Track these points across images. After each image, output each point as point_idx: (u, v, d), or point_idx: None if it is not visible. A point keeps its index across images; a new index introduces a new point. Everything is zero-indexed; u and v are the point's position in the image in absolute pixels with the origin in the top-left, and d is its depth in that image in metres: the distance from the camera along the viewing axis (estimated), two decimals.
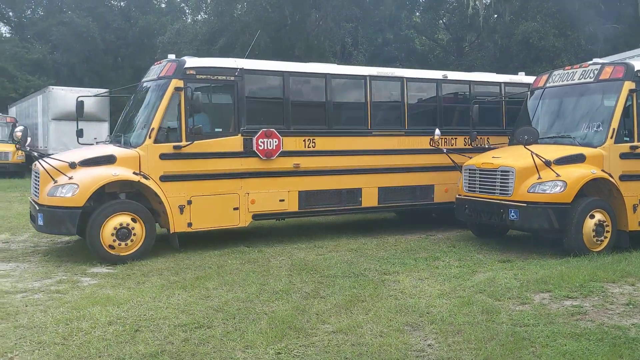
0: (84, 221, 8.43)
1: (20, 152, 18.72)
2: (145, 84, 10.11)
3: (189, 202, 9.07)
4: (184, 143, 8.98)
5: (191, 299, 6.42)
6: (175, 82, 9.07)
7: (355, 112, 11.00)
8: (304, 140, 10.03)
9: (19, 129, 8.45)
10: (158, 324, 5.51)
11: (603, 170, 8.93)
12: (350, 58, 28.32)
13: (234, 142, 9.47)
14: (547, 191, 8.64)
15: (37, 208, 8.59)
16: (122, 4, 34.25)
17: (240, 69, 9.57)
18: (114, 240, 8.37)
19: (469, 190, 9.90)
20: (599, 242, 8.80)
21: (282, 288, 6.85)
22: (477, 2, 24.81)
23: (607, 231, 8.87)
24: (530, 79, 11.90)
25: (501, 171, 9.21)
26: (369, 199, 10.61)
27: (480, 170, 9.65)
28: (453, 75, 12.26)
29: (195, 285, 6.99)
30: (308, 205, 10.10)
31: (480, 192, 9.63)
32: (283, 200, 9.86)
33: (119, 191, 8.83)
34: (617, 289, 6.89)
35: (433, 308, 6.08)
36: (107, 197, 8.71)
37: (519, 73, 13.48)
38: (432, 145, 10.97)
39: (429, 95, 11.71)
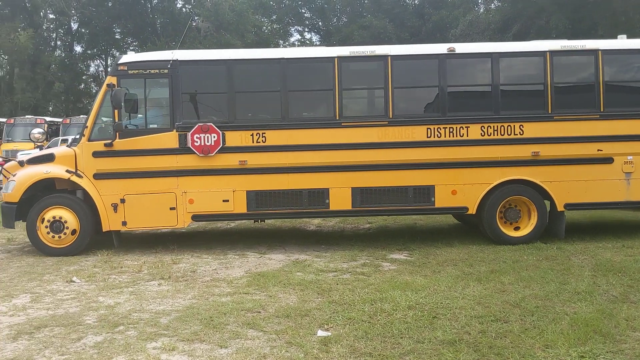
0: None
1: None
2: None
3: (122, 201, 8.92)
4: (115, 141, 8.90)
5: (486, 291, 6.42)
6: (109, 79, 9.02)
7: (319, 100, 9.58)
8: (252, 135, 8.97)
9: (36, 130, 9.55)
10: (454, 313, 5.66)
11: None
12: None
13: (169, 138, 8.94)
14: None
15: None
16: (416, 2, 35.57)
17: (173, 60, 8.98)
18: (48, 233, 8.83)
19: None
20: None
21: (584, 289, 6.38)
22: None
23: None
24: None
25: None
26: (339, 202, 9.04)
27: None
28: (463, 48, 9.61)
29: (490, 279, 6.96)
30: (259, 206, 9.04)
31: None
32: (227, 200, 8.99)
33: (70, 188, 9.11)
34: None
35: None
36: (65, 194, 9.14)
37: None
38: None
39: (427, 75, 9.45)
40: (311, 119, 9.53)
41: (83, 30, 40.70)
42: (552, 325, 5.24)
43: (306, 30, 38.87)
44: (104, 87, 9.07)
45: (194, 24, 31.33)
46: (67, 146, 9.71)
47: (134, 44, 38.50)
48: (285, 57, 9.26)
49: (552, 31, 22.73)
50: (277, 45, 34.71)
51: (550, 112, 9.22)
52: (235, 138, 9.04)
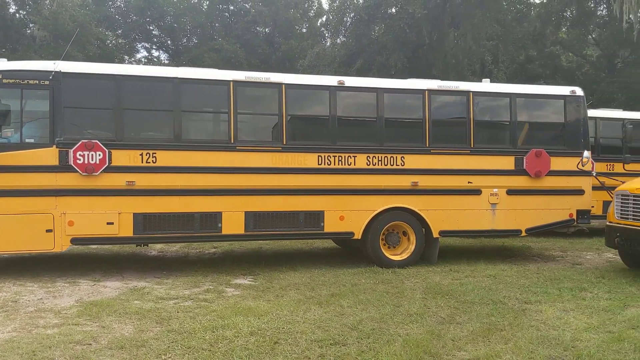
0: None
1: None
2: None
3: None
4: None
5: (326, 315, 6.57)
6: None
7: (215, 123, 9.60)
8: (141, 154, 8.64)
9: None
10: (296, 338, 5.70)
11: None
12: (491, 76, 27.49)
13: (48, 155, 8.33)
14: None
15: None
16: (266, 30, 36.16)
17: (56, 72, 8.42)
18: None
19: (621, 217, 9.17)
20: None
21: (416, 311, 6.79)
22: (631, 15, 23.03)
23: None
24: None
25: None
26: (232, 226, 9.02)
27: (634, 196, 8.92)
28: (351, 81, 10.01)
29: (331, 302, 7.14)
30: (147, 230, 8.71)
31: (634, 219, 8.89)
32: (112, 223, 8.54)
33: None
34: None
35: (579, 342, 5.70)
36: None
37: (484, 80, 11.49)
38: (578, 168, 10.22)
39: (319, 105, 9.82)
40: (205, 141, 9.28)
41: None
42: (386, 347, 5.48)
43: (154, 47, 37.76)
44: None
45: (29, 31, 29.02)
46: None
47: None
48: (179, 76, 9.01)
49: (391, 68, 24.33)
50: (121, 61, 33.32)
51: (428, 146, 9.89)
52: (122, 157, 8.60)
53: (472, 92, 10.25)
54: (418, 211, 9.84)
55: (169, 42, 38.03)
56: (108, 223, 8.55)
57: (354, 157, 9.55)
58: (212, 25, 36.87)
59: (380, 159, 9.66)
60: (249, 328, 5.94)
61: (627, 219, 9.03)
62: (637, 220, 8.82)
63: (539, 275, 9.11)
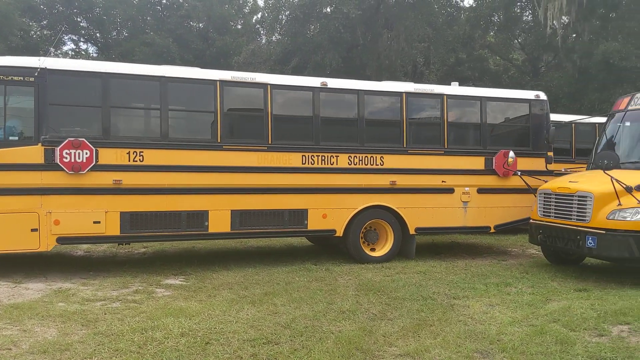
0: None
1: None
2: None
3: None
4: None
5: (260, 314, 6.53)
6: None
7: (201, 122, 9.58)
8: (128, 153, 8.64)
9: None
10: (228, 338, 5.63)
11: None
12: (422, 77, 28.18)
13: (32, 153, 8.23)
14: (628, 218, 8.26)
15: None
16: (200, 25, 35.56)
17: (41, 69, 8.31)
18: None
19: (543, 214, 9.60)
20: None
21: (349, 308, 6.86)
22: (554, 21, 24.15)
23: None
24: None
25: (578, 196, 8.88)
26: (219, 224, 9.14)
27: (556, 194, 9.35)
28: (334, 83, 10.19)
29: (264, 301, 7.11)
30: (134, 228, 8.71)
31: (555, 217, 9.33)
32: (99, 222, 8.52)
33: None
34: None
35: (504, 336, 5.92)
36: None
37: (452, 83, 11.63)
38: (504, 167, 10.64)
39: (303, 106, 9.98)
40: (192, 140, 9.22)
41: None
42: (319, 344, 5.50)
43: (82, 40, 36.37)
44: None
45: None
46: None
47: None
48: (166, 75, 8.99)
49: (326, 67, 24.47)
50: (46, 53, 32.01)
51: (405, 146, 10.26)
52: (109, 156, 8.56)
53: (446, 95, 10.63)
54: (396, 209, 10.22)
55: (97, 34, 36.74)
56: (95, 222, 8.52)
57: (337, 156, 9.83)
58: (143, 18, 35.91)
59: (360, 158, 10.00)
60: (179, 329, 5.82)
61: (549, 216, 9.45)
62: (559, 217, 9.25)
63: (467, 272, 9.40)
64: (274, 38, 30.24)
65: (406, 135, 10.30)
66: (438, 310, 6.82)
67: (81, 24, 36.01)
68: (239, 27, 36.74)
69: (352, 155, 9.92)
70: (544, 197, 9.62)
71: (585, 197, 8.75)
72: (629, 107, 9.92)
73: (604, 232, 8.40)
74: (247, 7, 37.52)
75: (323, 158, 9.75)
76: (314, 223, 9.73)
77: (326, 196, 9.79)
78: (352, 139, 10.03)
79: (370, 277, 8.84)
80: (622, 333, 6.11)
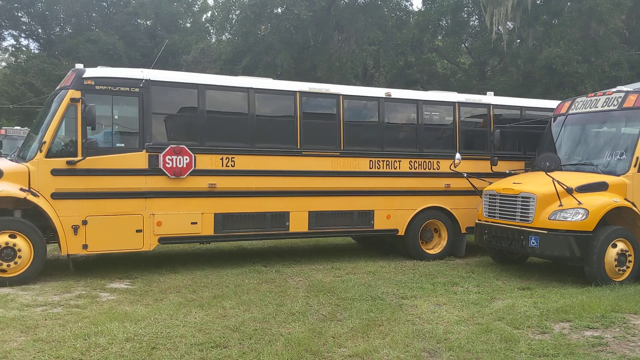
0: None
1: None
2: (53, 95, 9.30)
3: (84, 222, 8.38)
4: (78, 158, 8.34)
5: (208, 317, 6.43)
6: (72, 93, 8.44)
7: (283, 129, 10.03)
8: (222, 159, 9.25)
9: None
10: (175, 342, 5.52)
11: (626, 199, 8.81)
12: (372, 80, 28.47)
13: (138, 159, 8.74)
14: (569, 219, 8.55)
15: None
16: (148, 22, 34.86)
17: (146, 80, 8.84)
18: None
19: (488, 215, 9.83)
20: (621, 272, 8.66)
21: (298, 309, 6.83)
22: (500, 27, 24.82)
23: (630, 260, 8.73)
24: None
25: (522, 197, 9.14)
26: (298, 224, 9.80)
27: (500, 195, 9.59)
28: (396, 93, 11.10)
29: (213, 304, 7.01)
30: (226, 228, 9.29)
31: (500, 217, 9.56)
32: (196, 222, 9.09)
33: (12, 208, 8.20)
34: (639, 320, 6.75)
35: (451, 334, 6.02)
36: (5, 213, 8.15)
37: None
38: (451, 170, 10.84)
39: (369, 114, 10.84)
40: (276, 147, 9.76)
41: None
42: (268, 346, 5.46)
43: (23, 36, 35.08)
44: (66, 100, 8.41)
45: None
46: (9, 160, 8.76)
47: None
48: (254, 86, 9.64)
49: (277, 68, 24.40)
50: None
51: (458, 151, 10.85)
52: (205, 161, 9.14)
53: (492, 105, 11.52)
54: (450, 209, 10.99)
55: (39, 30, 35.51)
56: (192, 222, 9.08)
57: (399, 161, 10.64)
58: (88, 14, 34.96)
59: (420, 163, 10.81)
60: (124, 334, 5.67)
61: (494, 217, 9.69)
62: (503, 218, 9.49)
63: (415, 272, 9.53)
64: (224, 37, 29.96)
65: (459, 141, 11.10)
66: (387, 310, 6.88)
67: (22, 19, 34.78)
68: (188, 25, 36.22)
69: (412, 160, 10.74)
70: (489, 198, 9.85)
71: (529, 198, 9.01)
72: (570, 111, 10.28)
73: (546, 232, 8.67)
74: (196, 6, 37.06)
75: (387, 163, 10.53)
76: (380, 223, 10.45)
77: (390, 198, 10.51)
78: (412, 145, 10.86)
79: (320, 277, 8.84)
80: (563, 330, 6.31)
